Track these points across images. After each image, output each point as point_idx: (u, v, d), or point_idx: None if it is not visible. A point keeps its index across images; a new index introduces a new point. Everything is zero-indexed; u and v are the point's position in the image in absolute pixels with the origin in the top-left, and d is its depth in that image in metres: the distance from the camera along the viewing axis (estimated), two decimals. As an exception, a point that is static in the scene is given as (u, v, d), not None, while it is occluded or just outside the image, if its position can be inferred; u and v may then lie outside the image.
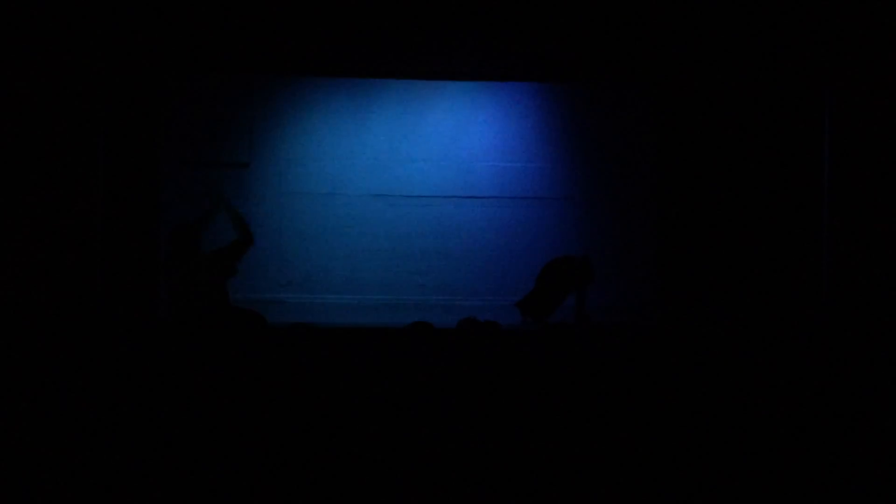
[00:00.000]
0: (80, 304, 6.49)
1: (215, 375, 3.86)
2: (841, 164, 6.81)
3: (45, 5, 6.56)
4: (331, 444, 3.48)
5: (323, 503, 3.28)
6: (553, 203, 7.78)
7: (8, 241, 6.45)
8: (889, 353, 4.74)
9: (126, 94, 7.05)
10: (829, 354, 4.94)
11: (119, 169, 6.98)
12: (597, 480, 3.42)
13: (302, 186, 7.66)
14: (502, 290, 7.41)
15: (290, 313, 6.40)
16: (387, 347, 4.29)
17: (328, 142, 7.70)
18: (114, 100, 6.97)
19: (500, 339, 4.32)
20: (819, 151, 6.95)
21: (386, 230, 7.71)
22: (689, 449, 3.59)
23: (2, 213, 6.52)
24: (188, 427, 3.52)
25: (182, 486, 3.25)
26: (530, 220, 7.76)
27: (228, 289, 5.54)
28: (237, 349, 4.07)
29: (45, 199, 6.56)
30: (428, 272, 7.70)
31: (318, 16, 7.07)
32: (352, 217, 7.69)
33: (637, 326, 6.88)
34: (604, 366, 4.29)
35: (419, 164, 7.76)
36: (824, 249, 6.87)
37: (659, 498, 3.38)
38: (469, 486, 3.35)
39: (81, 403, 3.66)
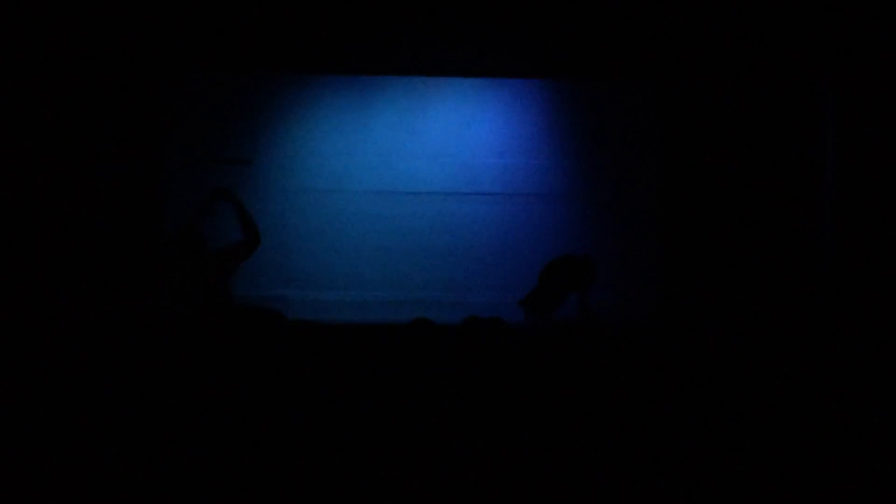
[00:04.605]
0: (81, 303, 6.49)
1: (220, 375, 3.85)
2: (847, 162, 6.77)
3: (47, 1, 6.55)
4: (334, 442, 3.48)
5: (325, 501, 3.28)
6: (557, 200, 7.76)
7: (8, 239, 6.44)
8: (891, 357, 4.74)
9: (128, 91, 7.05)
10: (833, 356, 4.94)
11: (121, 167, 6.98)
12: (599, 479, 3.41)
13: (305, 183, 7.65)
14: (506, 287, 7.39)
15: (291, 310, 6.37)
16: (389, 344, 4.29)
17: (331, 138, 7.68)
18: (116, 97, 6.96)
19: (504, 336, 4.32)
20: (825, 151, 6.93)
21: (388, 227, 7.69)
22: (692, 448, 3.59)
23: (1, 211, 6.51)
24: (189, 425, 3.51)
25: (183, 484, 3.25)
26: (534, 217, 7.73)
27: (231, 287, 5.52)
28: (253, 348, 4.07)
29: (46, 196, 6.55)
30: (431, 269, 7.68)
31: (322, 13, 7.06)
32: (354, 214, 7.68)
33: (640, 325, 6.87)
34: (607, 364, 4.29)
35: (422, 161, 7.74)
36: (830, 249, 6.84)
37: (661, 497, 3.38)
38: (471, 485, 3.34)
39: (84, 404, 3.66)
